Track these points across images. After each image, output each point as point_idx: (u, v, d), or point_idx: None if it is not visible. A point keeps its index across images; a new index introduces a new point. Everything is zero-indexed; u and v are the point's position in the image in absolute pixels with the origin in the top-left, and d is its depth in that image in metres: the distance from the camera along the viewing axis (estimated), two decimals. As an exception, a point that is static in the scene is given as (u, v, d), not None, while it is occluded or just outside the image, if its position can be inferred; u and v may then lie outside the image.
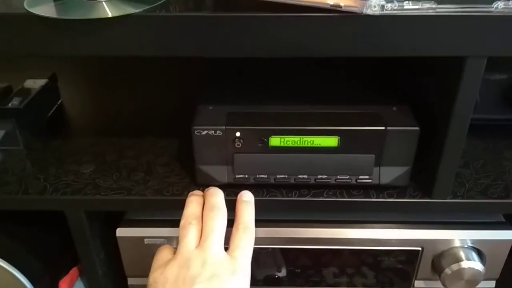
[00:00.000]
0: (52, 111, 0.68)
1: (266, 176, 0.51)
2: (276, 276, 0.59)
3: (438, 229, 0.56)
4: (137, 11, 0.39)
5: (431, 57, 0.42)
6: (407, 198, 0.51)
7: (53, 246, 0.63)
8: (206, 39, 0.40)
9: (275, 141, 0.49)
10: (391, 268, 0.58)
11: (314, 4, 0.38)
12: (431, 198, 0.51)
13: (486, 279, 0.57)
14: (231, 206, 0.49)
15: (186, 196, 0.50)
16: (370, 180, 0.51)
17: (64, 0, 0.42)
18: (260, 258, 0.58)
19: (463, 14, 0.39)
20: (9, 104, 0.61)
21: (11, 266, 0.54)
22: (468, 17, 0.39)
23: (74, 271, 0.63)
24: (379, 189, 0.52)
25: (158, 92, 0.74)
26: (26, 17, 0.39)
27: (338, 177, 0.51)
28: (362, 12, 0.38)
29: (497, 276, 0.59)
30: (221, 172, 0.51)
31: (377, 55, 0.41)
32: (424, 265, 0.57)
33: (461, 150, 0.47)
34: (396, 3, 0.38)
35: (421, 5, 0.38)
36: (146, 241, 0.56)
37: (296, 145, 0.49)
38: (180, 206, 0.48)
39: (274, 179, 0.51)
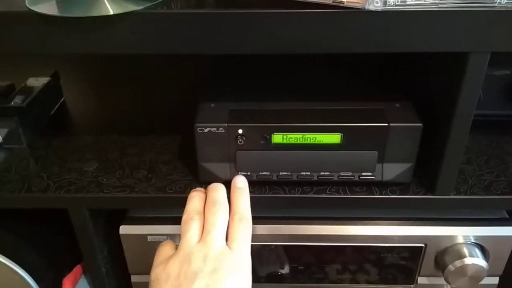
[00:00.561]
0: (54, 109, 0.68)
1: (268, 173, 0.51)
2: (279, 273, 0.59)
3: (441, 226, 0.56)
4: (138, 8, 0.39)
5: (433, 52, 0.41)
6: (410, 195, 0.51)
7: (56, 243, 0.63)
8: (208, 36, 0.40)
9: (277, 138, 0.49)
10: (394, 264, 0.58)
11: (316, 0, 0.38)
12: (434, 195, 0.51)
13: (489, 275, 0.57)
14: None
15: (189, 193, 0.50)
16: (373, 177, 0.51)
17: (65, -2, 0.43)
18: (263, 255, 0.58)
19: (466, 9, 0.38)
20: (12, 103, 0.61)
21: (15, 264, 0.54)
22: (471, 12, 0.39)
23: (77, 269, 0.64)
24: (382, 185, 0.52)
25: (160, 90, 0.74)
26: (27, 15, 0.39)
27: (341, 173, 0.51)
28: (364, 8, 0.38)
29: (501, 272, 0.59)
30: (223, 169, 0.51)
31: (380, 51, 0.41)
32: (427, 261, 0.57)
33: (464, 146, 0.47)
34: (399, -1, 0.38)
35: (424, 0, 0.38)
36: (149, 238, 0.56)
37: (298, 142, 0.49)
38: (182, 203, 0.48)
39: (277, 176, 0.51)
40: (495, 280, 0.60)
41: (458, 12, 0.38)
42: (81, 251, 0.58)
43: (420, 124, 0.48)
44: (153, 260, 0.47)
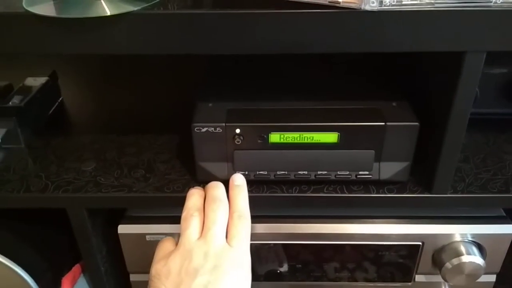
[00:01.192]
0: (52, 109, 0.69)
1: (266, 173, 0.51)
2: (278, 271, 0.60)
3: (438, 224, 0.56)
4: (135, 9, 0.39)
5: (430, 52, 0.41)
6: (407, 193, 0.51)
7: (55, 243, 0.63)
8: (205, 36, 0.40)
9: (275, 137, 0.49)
10: (392, 262, 0.58)
11: (312, 1, 0.38)
12: (431, 193, 0.51)
13: (486, 273, 0.57)
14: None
15: (187, 193, 0.50)
16: (370, 176, 0.51)
17: (62, -1, 0.43)
18: (261, 253, 0.58)
19: (462, 9, 0.39)
20: (10, 103, 0.61)
21: (14, 264, 0.55)
22: (467, 12, 0.39)
23: (76, 268, 0.64)
24: (379, 184, 0.52)
25: (158, 90, 0.74)
26: (25, 16, 0.40)
27: (338, 172, 0.51)
28: (360, 8, 0.38)
29: (498, 270, 0.59)
30: (221, 169, 0.51)
31: (376, 51, 0.41)
32: (425, 259, 0.58)
33: (460, 145, 0.47)
34: (395, -1, 0.38)
35: (420, 0, 0.38)
36: (147, 237, 0.57)
37: (296, 141, 0.49)
38: (181, 202, 0.48)
39: (274, 175, 0.51)
40: (492, 278, 0.60)
41: (454, 11, 0.39)
42: (79, 251, 0.58)
43: (417, 123, 0.48)
44: (151, 259, 0.47)
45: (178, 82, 0.76)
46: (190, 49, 0.41)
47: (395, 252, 0.57)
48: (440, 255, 0.56)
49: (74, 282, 0.63)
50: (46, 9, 0.40)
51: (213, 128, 0.49)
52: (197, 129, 0.49)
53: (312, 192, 0.52)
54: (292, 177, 0.51)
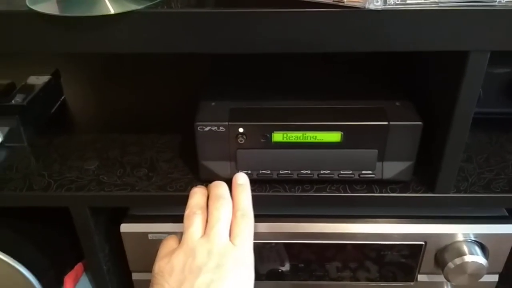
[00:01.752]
0: (55, 107, 0.69)
1: (269, 172, 0.51)
2: (280, 270, 0.60)
3: (441, 224, 0.56)
4: (139, 7, 0.39)
5: (434, 51, 0.41)
6: (410, 193, 0.51)
7: (58, 241, 0.64)
8: (208, 35, 0.40)
9: (278, 136, 0.49)
10: (395, 262, 0.58)
11: (316, 0, 0.38)
12: (434, 193, 0.51)
13: (489, 273, 0.57)
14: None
15: (190, 191, 0.50)
16: (373, 175, 0.51)
17: (66, -3, 0.43)
18: (263, 252, 0.58)
19: (466, 8, 0.38)
20: (13, 101, 0.61)
21: (16, 262, 0.55)
22: (471, 11, 0.39)
23: (79, 267, 0.64)
24: (382, 184, 0.52)
25: (161, 88, 0.74)
26: (28, 14, 0.40)
27: (341, 172, 0.51)
28: (364, 7, 0.38)
29: (500, 270, 0.59)
30: (224, 168, 0.51)
31: (380, 50, 0.41)
32: (427, 259, 0.58)
33: (464, 144, 0.47)
34: (399, -2, 0.38)
35: None
36: (150, 236, 0.57)
37: (299, 140, 0.49)
38: (183, 201, 0.48)
39: (277, 174, 0.51)
40: (494, 278, 0.60)
41: (458, 11, 0.39)
42: (82, 249, 0.58)
43: (420, 123, 0.48)
44: (154, 258, 0.47)
45: (181, 81, 0.76)
46: (193, 48, 0.41)
47: (397, 251, 0.57)
48: (443, 254, 0.56)
49: (76, 280, 0.63)
50: (50, 7, 0.40)
51: (216, 127, 0.49)
52: (200, 128, 0.49)
53: (315, 192, 0.52)
54: (295, 176, 0.51)
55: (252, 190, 0.50)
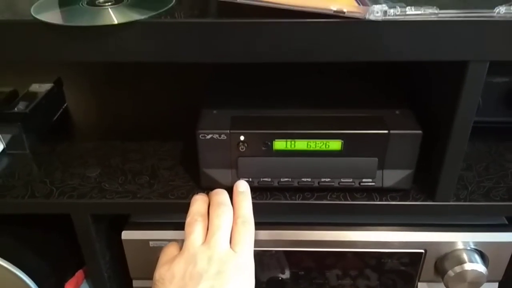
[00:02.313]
0: (57, 115, 0.69)
1: (270, 180, 0.52)
2: (280, 278, 0.60)
3: (441, 232, 0.56)
4: (142, 17, 0.40)
5: (433, 61, 0.42)
6: (410, 201, 0.52)
7: (59, 248, 0.64)
8: (211, 45, 0.41)
9: (279, 144, 0.49)
10: (394, 270, 0.58)
11: (317, 10, 0.39)
12: (434, 201, 0.51)
13: (489, 281, 0.57)
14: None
15: (191, 199, 0.50)
16: (373, 183, 0.51)
17: (70, 7, 0.43)
18: (264, 260, 0.58)
19: (465, 19, 0.39)
20: (15, 109, 0.62)
21: (17, 269, 0.55)
22: (470, 22, 0.39)
23: (79, 274, 0.64)
24: (382, 192, 0.52)
25: (163, 96, 0.74)
26: (32, 23, 0.40)
27: (342, 180, 0.51)
28: (365, 18, 0.38)
29: (500, 278, 0.59)
30: (225, 176, 0.52)
31: (380, 60, 0.41)
32: (427, 267, 0.58)
33: (463, 153, 0.47)
34: (399, 9, 0.38)
35: (424, 11, 0.39)
36: (151, 243, 0.57)
37: (299, 148, 0.49)
38: (185, 209, 0.49)
39: (278, 182, 0.52)
40: (494, 286, 0.60)
41: (458, 22, 0.39)
42: (83, 256, 0.58)
43: (420, 131, 0.48)
44: (155, 266, 0.47)
45: (183, 89, 0.76)
46: (196, 57, 0.41)
47: (397, 259, 0.57)
48: (443, 263, 0.56)
49: (77, 287, 0.63)
50: (54, 17, 0.41)
51: (217, 135, 0.49)
52: (201, 136, 0.49)
53: (315, 199, 0.52)
54: (295, 184, 0.52)
55: (253, 198, 0.50)
